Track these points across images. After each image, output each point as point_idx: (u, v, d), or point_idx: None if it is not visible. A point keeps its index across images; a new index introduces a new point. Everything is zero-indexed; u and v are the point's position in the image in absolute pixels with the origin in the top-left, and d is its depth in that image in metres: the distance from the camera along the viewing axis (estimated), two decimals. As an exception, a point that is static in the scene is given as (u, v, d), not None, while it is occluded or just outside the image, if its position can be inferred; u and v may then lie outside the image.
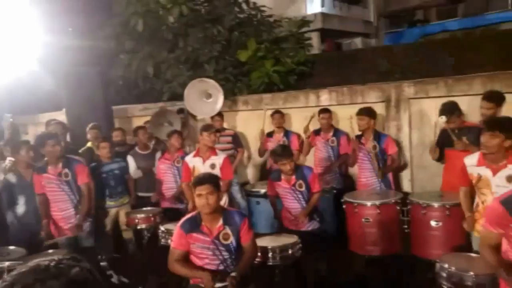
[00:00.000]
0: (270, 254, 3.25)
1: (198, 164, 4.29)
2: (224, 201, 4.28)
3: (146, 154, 5.15)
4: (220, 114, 5.60)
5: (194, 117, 6.15)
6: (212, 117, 5.57)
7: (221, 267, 2.84)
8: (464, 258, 2.90)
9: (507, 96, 3.83)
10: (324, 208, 4.28)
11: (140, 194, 5.05)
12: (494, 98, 3.77)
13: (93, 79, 6.07)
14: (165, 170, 4.87)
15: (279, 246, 3.28)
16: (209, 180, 2.80)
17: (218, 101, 5.45)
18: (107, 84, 6.55)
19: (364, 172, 4.53)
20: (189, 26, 6.63)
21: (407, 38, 9.96)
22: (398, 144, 4.78)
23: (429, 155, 4.36)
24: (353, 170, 5.17)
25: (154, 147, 5.26)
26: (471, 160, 3.12)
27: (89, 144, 5.16)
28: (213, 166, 4.22)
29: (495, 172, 2.95)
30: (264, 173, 5.87)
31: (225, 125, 5.83)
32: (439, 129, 4.10)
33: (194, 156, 4.36)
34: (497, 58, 5.94)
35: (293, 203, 3.87)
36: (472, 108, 4.41)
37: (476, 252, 3.05)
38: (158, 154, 5.09)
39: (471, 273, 2.61)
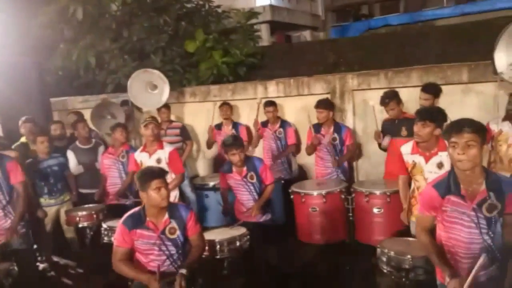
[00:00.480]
0: (218, 247, 3.23)
1: (144, 159, 4.16)
2: (174, 195, 4.19)
3: (88, 149, 4.89)
4: (166, 106, 5.45)
5: (139, 109, 5.94)
6: (158, 109, 5.41)
7: (167, 263, 2.77)
8: (402, 243, 3.03)
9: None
10: (273, 199, 4.32)
11: (83, 191, 4.80)
12: (432, 90, 3.98)
13: (28, 70, 5.64)
14: (109, 165, 4.66)
15: (227, 238, 3.26)
16: (163, 173, 2.77)
17: (164, 92, 5.30)
18: (45, 75, 6.14)
19: (322, 162, 4.63)
20: (133, 15, 6.38)
21: (353, 31, 10.27)
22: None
23: (372, 145, 4.54)
24: (306, 160, 5.30)
25: (96, 141, 5.01)
26: (406, 149, 3.28)
27: (22, 139, 4.80)
28: (158, 160, 4.10)
29: (427, 159, 3.12)
30: (215, 166, 5.83)
31: (172, 118, 5.69)
32: (379, 119, 4.25)
33: (141, 151, 4.25)
34: (433, 52, 6.31)
35: (245, 195, 3.85)
36: (411, 100, 4.64)
37: (414, 236, 3.23)
38: (101, 149, 4.86)
39: (408, 256, 2.74)
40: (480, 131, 2.15)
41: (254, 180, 3.81)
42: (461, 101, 4.48)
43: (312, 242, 4.14)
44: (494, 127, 3.89)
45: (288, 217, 4.50)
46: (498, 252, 2.29)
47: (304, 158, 5.43)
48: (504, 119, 3.89)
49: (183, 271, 2.60)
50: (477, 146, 2.12)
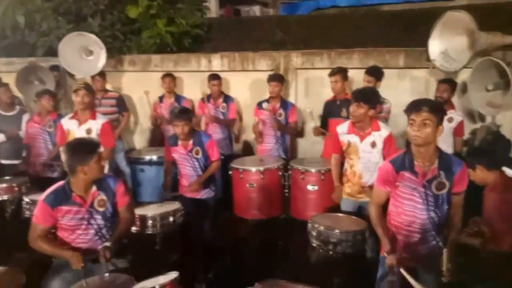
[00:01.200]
0: (150, 222, 3.14)
1: (73, 128, 3.88)
2: (105, 169, 3.98)
3: (11, 116, 4.49)
4: (102, 74, 5.13)
5: (72, 76, 5.54)
6: (92, 77, 5.07)
7: (96, 237, 2.64)
8: (333, 218, 3.15)
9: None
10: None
11: (4, 161, 4.44)
12: (375, 73, 4.12)
13: None
14: (34, 135, 4.32)
15: (160, 214, 3.18)
16: (98, 144, 2.66)
17: (100, 59, 4.98)
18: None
19: (266, 138, 4.62)
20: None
21: (302, 10, 10.24)
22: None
23: (312, 123, 4.60)
24: (251, 136, 5.26)
25: (21, 108, 4.60)
26: (342, 128, 3.40)
27: None
28: (89, 131, 3.83)
29: (362, 138, 3.27)
30: (153, 140, 5.64)
31: (108, 87, 5.37)
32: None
33: (71, 118, 3.93)
34: (376, 36, 6.49)
35: (189, 170, 3.75)
36: (351, 81, 4.75)
37: (344, 212, 3.36)
38: (26, 117, 4.49)
39: (336, 230, 2.85)
40: (437, 111, 2.27)
41: (199, 156, 3.72)
42: (397, 85, 4.66)
43: (248, 217, 4.17)
44: None
45: (226, 193, 4.48)
46: (441, 230, 2.45)
47: (249, 135, 5.41)
48: (432, 104, 4.12)
49: (107, 243, 2.50)
50: (432, 125, 2.24)
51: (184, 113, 3.62)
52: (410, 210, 2.43)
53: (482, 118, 4.36)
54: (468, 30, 3.60)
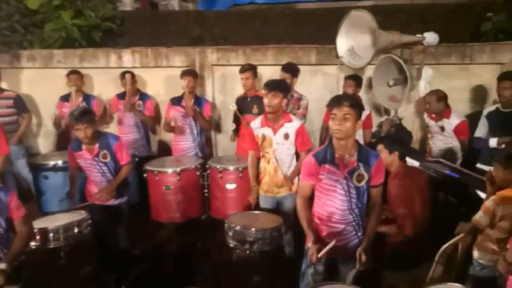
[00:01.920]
0: (51, 236, 2.85)
1: None
2: None
3: None
4: (-6, 71, 4.57)
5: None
6: (-19, 76, 4.50)
7: None
8: (249, 216, 3.14)
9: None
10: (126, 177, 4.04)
11: None
12: (291, 69, 4.19)
13: None
14: None
15: (63, 225, 2.90)
16: None
17: (-10, 55, 4.42)
18: None
19: (182, 136, 4.46)
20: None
21: (219, 5, 10.12)
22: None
23: (230, 120, 4.57)
24: (167, 135, 5.06)
25: None
26: (255, 123, 3.41)
27: None
28: None
29: (275, 131, 3.31)
30: (60, 143, 5.17)
31: (3, 85, 4.79)
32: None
33: None
34: (292, 33, 6.65)
35: (97, 177, 3.47)
36: (266, 77, 4.79)
37: (262, 209, 3.37)
38: None
39: (252, 229, 2.84)
40: (356, 106, 2.37)
41: (108, 159, 3.44)
42: (310, 80, 4.81)
43: (166, 221, 4.01)
44: None
45: (142, 197, 4.26)
46: (362, 221, 2.55)
47: (164, 134, 5.21)
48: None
49: (2, 265, 2.22)
50: (352, 120, 2.34)
51: (85, 114, 3.30)
52: (333, 201, 2.51)
53: (387, 111, 4.67)
54: (370, 28, 3.80)
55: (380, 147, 3.06)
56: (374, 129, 4.58)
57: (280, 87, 3.22)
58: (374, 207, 2.56)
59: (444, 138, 4.04)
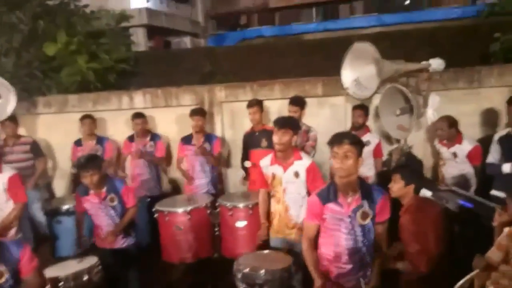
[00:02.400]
0: (61, 284, 2.86)
1: None
2: (12, 231, 3.63)
3: None
4: (12, 118, 4.75)
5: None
6: (1, 122, 4.68)
7: None
8: (257, 257, 3.08)
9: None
10: (137, 219, 4.05)
11: None
12: (299, 102, 4.24)
13: None
14: None
15: (72, 274, 2.91)
16: None
17: (10, 102, 4.61)
18: None
19: (194, 174, 4.52)
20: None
21: (229, 41, 10.49)
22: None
23: (240, 155, 4.60)
24: (178, 174, 5.12)
25: None
26: (265, 162, 3.35)
27: None
28: None
29: (285, 169, 3.22)
30: (76, 186, 5.26)
31: (22, 131, 4.99)
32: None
33: None
34: (300, 64, 6.74)
35: (105, 220, 3.49)
36: (273, 111, 4.84)
37: (271, 248, 3.31)
38: None
39: (261, 271, 2.77)
40: (357, 144, 2.37)
41: (115, 203, 3.47)
42: (317, 112, 4.83)
43: (177, 262, 3.98)
44: None
45: (154, 237, 4.26)
46: (370, 259, 2.49)
47: (176, 172, 5.26)
48: (350, 129, 4.31)
49: None
50: (353, 157, 2.33)
51: (91, 161, 3.37)
52: (338, 241, 2.46)
53: (397, 139, 4.61)
54: (374, 59, 3.82)
55: (396, 177, 2.98)
56: (384, 157, 4.52)
57: (290, 124, 3.19)
58: (379, 249, 2.51)
59: (457, 164, 3.94)
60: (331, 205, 2.44)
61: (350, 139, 2.37)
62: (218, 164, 4.76)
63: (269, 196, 3.44)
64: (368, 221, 2.43)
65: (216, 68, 6.90)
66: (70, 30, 5.95)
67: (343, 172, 2.35)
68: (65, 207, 4.29)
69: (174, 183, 5.35)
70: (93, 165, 3.34)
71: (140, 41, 11.68)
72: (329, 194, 2.45)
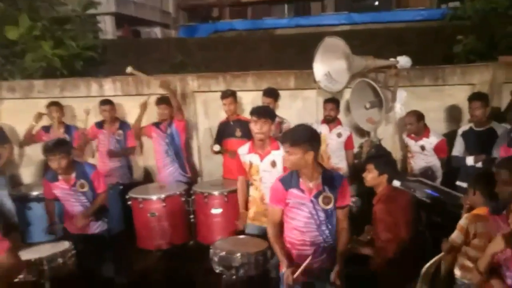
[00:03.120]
0: (35, 268, 2.80)
1: None
2: None
3: None
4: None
5: None
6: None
7: None
8: (234, 241, 3.16)
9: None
10: (111, 206, 4.01)
11: None
12: (272, 94, 4.33)
13: None
14: None
15: (46, 256, 2.86)
16: None
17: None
18: None
19: (162, 158, 4.53)
20: None
21: (200, 32, 10.41)
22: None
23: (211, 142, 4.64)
24: (149, 162, 5.11)
25: None
26: (243, 149, 3.39)
27: None
28: None
29: (262, 157, 3.28)
30: (45, 173, 5.11)
31: (-16, 117, 4.79)
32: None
33: None
34: (271, 58, 6.83)
35: (76, 206, 3.44)
36: (246, 102, 4.90)
37: (247, 234, 3.38)
38: None
39: (238, 254, 2.85)
40: (296, 143, 2.43)
41: (86, 189, 3.43)
42: (290, 105, 4.92)
43: (152, 248, 3.98)
44: None
45: (127, 224, 4.24)
46: (333, 241, 2.58)
47: (147, 161, 5.22)
48: (322, 122, 4.45)
49: None
50: (296, 154, 2.42)
51: (59, 145, 3.31)
52: (301, 225, 2.54)
53: (368, 132, 4.80)
54: (344, 54, 3.96)
55: (370, 166, 3.06)
56: (355, 149, 4.69)
57: (269, 113, 3.27)
58: (342, 232, 2.61)
59: (424, 157, 4.14)
60: (293, 191, 2.53)
61: (290, 140, 2.46)
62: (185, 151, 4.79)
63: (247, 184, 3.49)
64: (331, 206, 2.53)
65: (187, 59, 6.86)
66: (33, 15, 5.75)
67: (290, 166, 2.52)
68: (35, 193, 4.17)
69: (145, 172, 5.31)
70: (62, 149, 3.29)
71: (108, 29, 11.37)
72: (291, 180, 2.54)
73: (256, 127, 3.16)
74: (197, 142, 5.22)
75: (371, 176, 3.04)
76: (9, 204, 4.52)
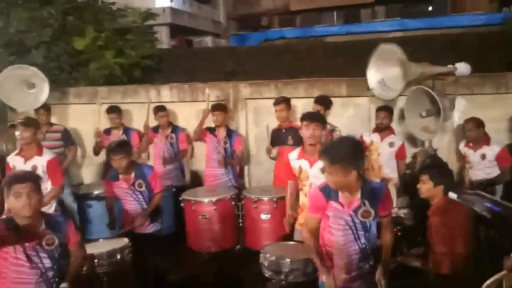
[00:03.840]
0: (96, 261, 3.00)
1: (18, 164, 3.72)
2: (52, 207, 3.80)
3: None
4: (46, 107, 4.94)
5: (13, 110, 5.29)
6: (36, 110, 4.87)
7: (40, 280, 2.47)
8: (284, 247, 3.18)
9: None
10: (163, 207, 4.18)
11: None
12: (324, 101, 4.31)
13: None
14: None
15: (106, 252, 3.05)
16: (31, 177, 2.42)
17: (43, 92, 4.80)
18: None
19: (212, 164, 4.65)
20: (11, 4, 5.70)
21: (251, 41, 10.58)
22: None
23: (263, 152, 4.69)
24: (199, 166, 5.27)
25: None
26: (293, 155, 3.41)
27: None
28: (34, 167, 3.66)
29: (312, 164, 3.26)
30: (104, 174, 5.43)
31: (53, 120, 5.18)
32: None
33: (16, 154, 3.80)
34: (322, 66, 6.80)
35: (133, 205, 3.63)
36: (297, 110, 4.92)
37: (296, 241, 3.38)
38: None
39: (287, 260, 2.87)
40: (335, 161, 2.29)
41: (143, 189, 3.61)
42: (341, 112, 4.89)
43: (202, 250, 4.10)
44: (366, 138, 4.33)
45: (179, 225, 4.39)
46: (371, 252, 2.52)
47: (197, 164, 5.40)
48: (374, 131, 4.37)
49: (64, 285, 2.38)
50: (336, 175, 2.30)
51: (122, 146, 3.53)
52: (340, 235, 2.50)
53: (422, 142, 4.65)
54: (400, 61, 3.88)
55: (425, 177, 2.93)
56: (408, 159, 4.55)
57: (321, 118, 3.27)
58: (385, 236, 2.54)
59: (484, 168, 3.93)
60: (333, 203, 2.48)
61: (329, 157, 2.30)
62: (239, 162, 4.86)
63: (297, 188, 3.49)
64: (370, 218, 2.47)
65: (238, 67, 7.02)
66: (98, 26, 6.16)
67: (332, 185, 2.39)
68: (95, 192, 4.45)
69: (193, 175, 5.48)
70: (123, 150, 3.50)
71: (163, 39, 11.90)
72: (330, 192, 2.48)
73: (308, 132, 3.15)
74: (246, 148, 5.32)
75: (426, 187, 2.93)
76: (70, 202, 4.82)
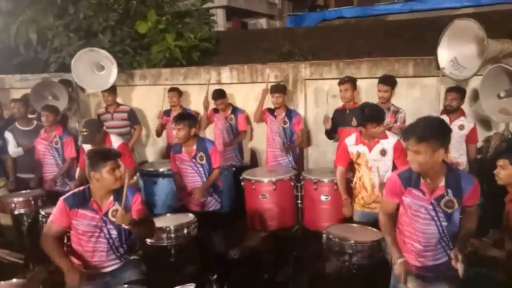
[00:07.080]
0: (164, 235, 3.15)
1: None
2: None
3: (28, 130, 4.57)
4: (113, 89, 5.20)
5: (83, 90, 5.63)
6: (103, 91, 5.15)
7: (110, 251, 2.68)
8: (347, 228, 3.14)
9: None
10: (224, 187, 4.27)
11: (21, 175, 4.50)
12: (390, 82, 4.14)
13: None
14: (43, 152, 4.36)
15: (174, 225, 3.19)
16: (117, 155, 2.72)
17: (112, 74, 5.06)
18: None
19: (273, 144, 4.68)
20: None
21: (308, 21, 10.31)
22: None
23: (322, 134, 4.62)
24: (257, 146, 5.31)
25: (38, 124, 4.68)
26: (350, 140, 3.44)
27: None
28: None
29: (370, 148, 3.33)
30: (167, 153, 5.66)
31: (119, 101, 5.44)
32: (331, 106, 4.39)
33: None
34: (382, 46, 6.51)
35: (193, 177, 3.73)
36: (360, 91, 4.77)
37: (357, 223, 3.34)
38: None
39: (351, 241, 2.82)
40: (424, 139, 2.15)
41: (204, 162, 3.71)
42: (407, 93, 4.67)
43: (261, 229, 4.16)
44: None
45: (238, 205, 4.48)
46: (451, 240, 2.40)
47: (255, 144, 5.45)
48: (441, 113, 4.12)
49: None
50: (424, 153, 2.16)
51: (182, 117, 3.65)
52: (419, 222, 2.40)
53: (496, 125, 4.33)
54: (476, 37, 3.61)
55: (504, 162, 2.71)
56: (479, 144, 4.27)
57: (381, 117, 3.28)
58: (467, 222, 2.40)
59: None
60: (413, 190, 2.37)
61: (416, 135, 2.16)
62: (301, 142, 4.80)
63: (347, 172, 3.55)
64: (454, 208, 2.33)
65: (295, 48, 6.92)
66: (159, 10, 6.28)
67: (414, 167, 2.25)
68: (160, 169, 4.65)
69: (252, 155, 5.53)
70: (184, 121, 3.60)
71: (219, 22, 12.00)
72: (410, 178, 2.36)
73: (371, 130, 3.21)
74: (306, 128, 5.26)
75: (504, 173, 2.73)
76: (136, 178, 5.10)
